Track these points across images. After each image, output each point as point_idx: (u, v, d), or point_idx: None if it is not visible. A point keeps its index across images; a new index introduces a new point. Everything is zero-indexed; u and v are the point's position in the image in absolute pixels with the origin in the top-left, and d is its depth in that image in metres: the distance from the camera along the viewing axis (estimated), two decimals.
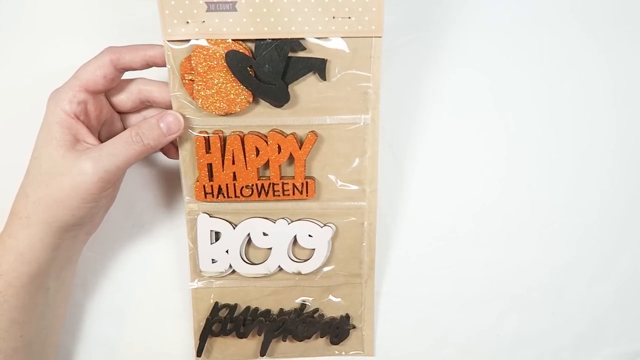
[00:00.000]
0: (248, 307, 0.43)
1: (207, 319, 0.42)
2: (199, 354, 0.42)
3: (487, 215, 0.45)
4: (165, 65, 0.37)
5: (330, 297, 0.43)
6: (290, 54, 0.37)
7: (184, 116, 0.37)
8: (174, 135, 0.37)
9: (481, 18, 0.43)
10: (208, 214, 0.40)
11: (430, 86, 0.44)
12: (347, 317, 0.43)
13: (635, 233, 0.45)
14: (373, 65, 0.38)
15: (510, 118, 0.44)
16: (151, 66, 0.37)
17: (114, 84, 0.37)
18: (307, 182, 0.40)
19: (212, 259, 0.41)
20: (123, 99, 0.39)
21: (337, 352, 0.44)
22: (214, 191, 0.39)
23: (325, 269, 0.42)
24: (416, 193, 0.45)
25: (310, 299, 0.43)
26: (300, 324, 0.42)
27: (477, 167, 0.45)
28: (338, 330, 0.43)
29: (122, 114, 0.40)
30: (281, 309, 0.43)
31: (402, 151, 0.45)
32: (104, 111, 0.38)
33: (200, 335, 0.42)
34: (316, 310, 0.43)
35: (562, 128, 0.45)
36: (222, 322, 0.42)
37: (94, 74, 0.35)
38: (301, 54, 0.38)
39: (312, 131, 0.39)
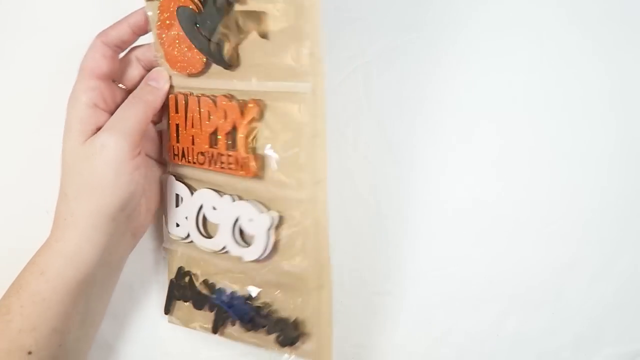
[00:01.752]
0: (206, 280, 0.41)
1: (171, 281, 0.42)
2: (166, 311, 0.43)
3: (486, 215, 0.43)
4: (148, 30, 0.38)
5: (279, 293, 0.37)
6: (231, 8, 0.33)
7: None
8: (164, 85, 0.38)
9: (481, 18, 0.42)
10: (174, 175, 0.40)
11: (429, 86, 0.42)
12: (297, 322, 0.36)
13: (635, 233, 0.43)
14: (308, 16, 0.30)
15: (510, 117, 0.42)
16: (139, 34, 0.38)
17: (115, 63, 0.38)
18: (247, 158, 0.35)
19: (177, 223, 0.40)
20: (130, 74, 0.40)
21: (286, 353, 0.38)
22: (178, 153, 0.39)
23: (270, 262, 0.36)
24: (416, 193, 0.43)
25: (259, 290, 0.38)
26: (249, 312, 0.38)
27: (477, 167, 0.43)
28: (284, 333, 0.37)
29: None
30: (233, 292, 0.39)
31: (401, 151, 0.43)
32: (116, 94, 0.38)
33: (167, 294, 0.43)
34: (267, 304, 0.38)
35: (562, 127, 0.42)
36: (182, 289, 0.41)
37: (93, 59, 0.36)
38: (240, 8, 0.33)
39: (254, 99, 0.34)
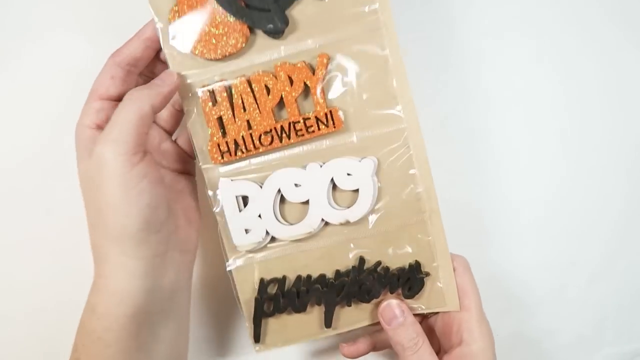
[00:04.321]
0: (299, 277, 0.36)
1: (256, 299, 0.36)
2: (256, 339, 0.36)
3: (487, 215, 0.44)
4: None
5: (392, 245, 0.36)
6: None
7: (180, 74, 0.34)
8: (169, 85, 0.33)
9: (481, 18, 0.43)
10: (229, 177, 0.35)
11: (429, 86, 0.43)
12: (418, 264, 0.35)
13: (635, 233, 0.44)
14: None
15: (512, 117, 0.43)
16: (153, 47, 0.34)
17: (127, 83, 0.34)
18: (330, 111, 0.33)
19: (245, 229, 0.35)
20: (164, 116, 0.37)
21: (415, 306, 0.36)
22: (230, 148, 0.34)
23: (377, 212, 0.35)
24: None
25: (368, 251, 0.35)
26: (364, 282, 0.34)
27: (477, 167, 0.44)
28: (410, 281, 0.35)
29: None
30: (337, 271, 0.36)
31: None
32: None
33: (254, 319, 0.36)
34: (378, 263, 0.35)
35: (563, 128, 0.44)
36: (273, 299, 0.35)
37: (100, 79, 0.33)
38: None
39: (322, 53, 0.33)
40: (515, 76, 0.43)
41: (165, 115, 0.37)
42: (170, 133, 0.38)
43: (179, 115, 0.37)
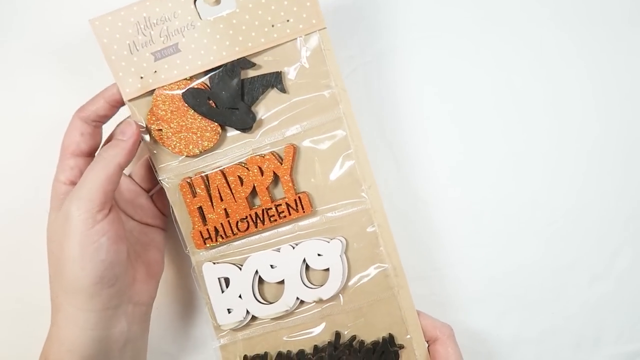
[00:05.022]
0: (280, 353, 0.38)
1: None
2: None
3: (487, 215, 0.44)
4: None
5: (362, 320, 0.38)
6: (245, 75, 0.37)
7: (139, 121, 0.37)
8: (131, 137, 0.35)
9: (481, 19, 0.44)
10: (211, 261, 0.38)
11: (429, 86, 0.44)
12: (391, 337, 0.37)
13: (635, 233, 0.44)
14: (327, 58, 0.35)
15: (511, 118, 0.44)
16: (117, 106, 0.37)
17: (96, 138, 0.37)
18: (299, 197, 0.36)
19: (228, 309, 0.38)
20: (142, 174, 0.40)
21: None
22: (211, 234, 0.37)
23: (349, 289, 0.37)
24: (415, 193, 0.45)
25: (344, 325, 0.38)
26: (340, 356, 0.36)
27: (477, 167, 0.44)
28: (384, 355, 0.36)
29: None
30: (315, 346, 0.38)
31: (402, 152, 0.45)
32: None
33: None
34: (353, 338, 0.37)
35: (564, 128, 0.44)
36: None
37: (70, 137, 0.36)
38: (255, 71, 0.36)
39: (289, 144, 0.36)
40: (520, 76, 0.44)
41: (142, 174, 0.40)
42: (147, 190, 0.40)
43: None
